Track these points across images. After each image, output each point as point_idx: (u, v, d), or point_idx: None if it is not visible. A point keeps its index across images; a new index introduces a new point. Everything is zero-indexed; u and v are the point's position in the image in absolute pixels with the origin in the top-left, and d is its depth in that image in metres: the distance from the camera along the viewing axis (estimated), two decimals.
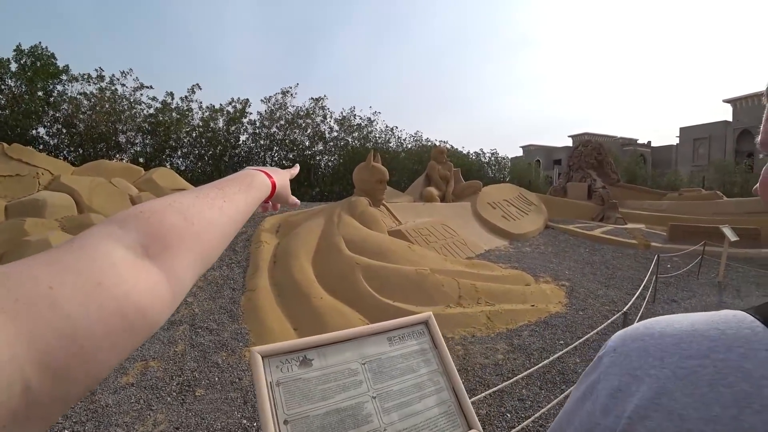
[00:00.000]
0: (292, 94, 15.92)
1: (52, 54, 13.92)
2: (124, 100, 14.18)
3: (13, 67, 13.41)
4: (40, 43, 13.87)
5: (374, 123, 18.20)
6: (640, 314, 4.81)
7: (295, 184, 16.22)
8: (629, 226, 12.42)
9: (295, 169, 0.89)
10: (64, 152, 13.76)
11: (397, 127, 25.56)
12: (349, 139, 17.49)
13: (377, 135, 18.58)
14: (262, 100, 15.56)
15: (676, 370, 0.36)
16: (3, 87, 13.16)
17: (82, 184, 7.14)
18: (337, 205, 7.66)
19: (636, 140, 49.31)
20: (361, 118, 18.07)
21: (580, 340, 3.09)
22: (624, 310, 3.13)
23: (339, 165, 16.94)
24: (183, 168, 14.73)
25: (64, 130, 13.82)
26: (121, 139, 14.27)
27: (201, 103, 15.08)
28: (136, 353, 4.16)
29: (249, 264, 6.26)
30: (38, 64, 13.56)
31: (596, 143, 16.31)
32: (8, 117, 12.57)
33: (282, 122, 15.73)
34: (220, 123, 15.01)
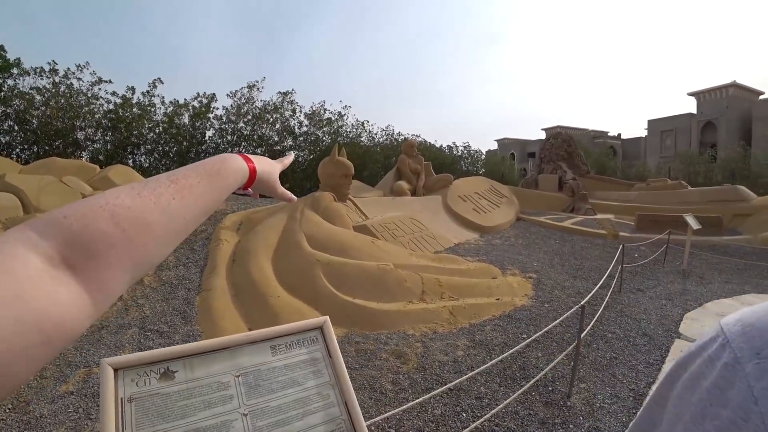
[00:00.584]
0: (258, 89, 15.57)
1: (1, 46, 13.10)
2: (80, 95, 13.50)
3: None
4: None
5: (345, 117, 17.99)
6: (604, 304, 4.75)
7: None
8: (599, 216, 12.55)
9: (288, 159, 0.82)
10: (17, 150, 13.06)
11: (368, 122, 25.35)
12: (320, 134, 17.17)
13: (348, 129, 18.39)
14: (227, 95, 15.14)
15: None
16: None
17: (30, 184, 6.76)
18: (300, 201, 7.42)
19: (607, 133, 50.28)
20: (331, 113, 17.91)
21: (540, 332, 2.96)
22: (582, 303, 3.00)
23: (310, 160, 16.64)
24: (146, 165, 14.17)
25: (16, 127, 13.11)
26: (80, 135, 13.60)
27: (163, 98, 14.48)
28: (79, 360, 3.95)
29: (207, 263, 5.99)
30: None
31: (566, 135, 16.44)
32: None
33: (249, 117, 15.30)
34: (186, 119, 14.50)
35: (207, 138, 14.93)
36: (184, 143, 14.33)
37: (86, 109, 13.51)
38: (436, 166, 19.21)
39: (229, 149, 15.09)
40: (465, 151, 23.93)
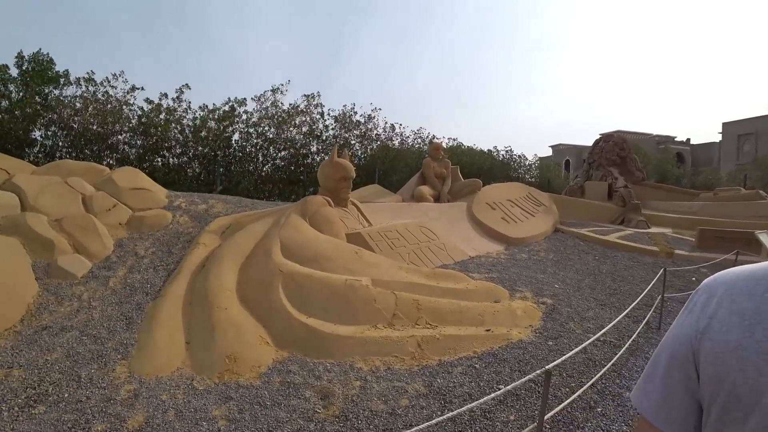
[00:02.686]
0: (282, 92, 15.25)
1: (51, 59, 14.11)
2: (116, 101, 13.93)
3: (15, 72, 13.64)
4: (40, 49, 14.04)
5: (374, 119, 17.22)
6: (627, 344, 3.64)
7: (288, 183, 15.41)
8: (653, 230, 10.96)
9: None
10: (60, 153, 13.58)
11: (400, 124, 24.42)
12: (348, 136, 16.51)
13: (378, 132, 17.67)
14: (252, 98, 14.97)
15: (743, 286, 0.63)
16: (4, 92, 13.23)
17: (32, 184, 6.59)
18: (291, 206, 6.77)
19: (674, 138, 46.24)
20: (361, 116, 17.29)
21: (519, 382, 2.02)
22: (548, 367, 2.02)
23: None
24: (175, 168, 14.21)
25: (58, 133, 13.70)
26: (115, 139, 13.95)
27: (190, 103, 14.56)
28: (2, 359, 3.64)
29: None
30: (37, 69, 13.76)
31: (619, 137, 14.76)
32: (7, 121, 12.51)
33: (274, 120, 15.00)
34: (213, 123, 14.48)
35: (234, 141, 14.74)
36: (208, 147, 14.25)
37: (123, 114, 13.87)
38: (471, 172, 18.05)
39: (255, 152, 14.86)
40: (507, 155, 22.37)
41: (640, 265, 7.87)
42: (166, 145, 14.19)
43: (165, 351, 3.91)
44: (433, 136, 19.06)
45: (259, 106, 14.97)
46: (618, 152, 14.46)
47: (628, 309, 3.80)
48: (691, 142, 46.98)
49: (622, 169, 14.33)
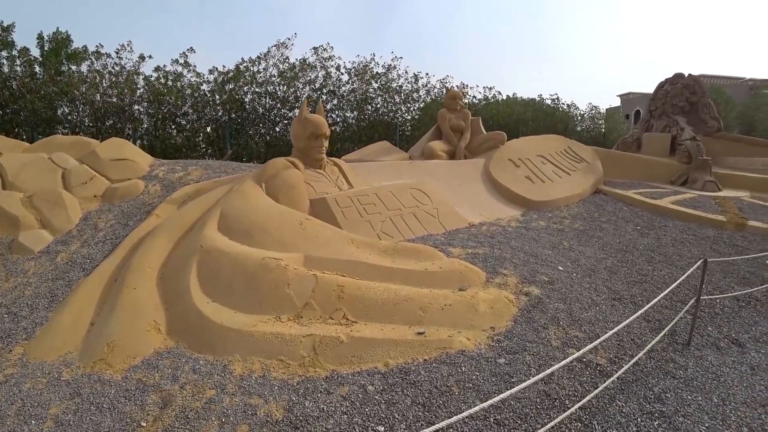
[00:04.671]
0: (287, 46, 13.95)
1: (68, 36, 13.98)
2: (126, 72, 13.47)
3: (36, 53, 13.65)
4: (58, 28, 14.06)
5: (396, 69, 15.47)
6: (620, 372, 2.36)
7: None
8: (723, 194, 8.90)
9: None
10: (82, 128, 13.54)
11: (427, 74, 22.08)
12: (367, 89, 14.94)
13: (400, 84, 15.90)
14: (258, 57, 13.74)
15: None
16: (29, 73, 13.25)
17: (13, 163, 6.43)
18: (254, 170, 5.84)
19: None
20: (383, 66, 15.56)
21: None
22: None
23: (359, 121, 14.75)
24: (188, 134, 13.67)
25: (80, 108, 13.59)
26: (133, 110, 13.64)
27: (195, 66, 13.82)
28: None
29: None
30: (57, 48, 13.76)
31: (691, 78, 12.19)
32: (31, 101, 12.49)
33: (285, 77, 13.84)
34: (222, 86, 13.66)
35: (245, 103, 13.81)
36: (221, 110, 13.51)
37: (137, 84, 13.52)
38: (509, 125, 15.93)
39: (266, 113, 13.87)
40: (552, 104, 19.64)
41: (695, 240, 6.18)
42: (179, 112, 13.68)
43: (63, 333, 3.56)
44: (460, 84, 17.01)
45: (266, 64, 13.84)
46: (687, 97, 11.97)
47: (644, 309, 2.48)
48: None
49: (691, 117, 11.88)
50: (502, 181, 7.49)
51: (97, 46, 13.70)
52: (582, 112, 21.90)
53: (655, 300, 2.79)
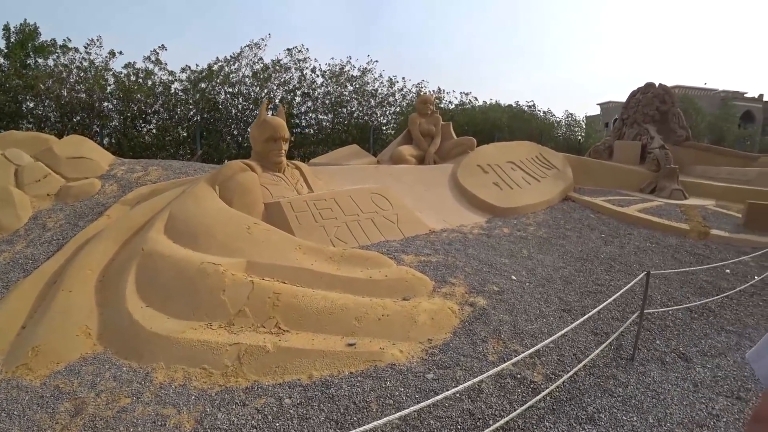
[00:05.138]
0: (260, 47, 13.72)
1: (36, 28, 13.45)
2: (94, 68, 13.04)
3: (1, 44, 13.15)
4: (25, 20, 13.44)
5: (372, 72, 15.29)
6: (552, 388, 2.23)
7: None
8: (689, 202, 8.96)
9: None
10: (48, 123, 13.01)
11: (403, 78, 22.07)
12: (342, 92, 14.73)
13: (376, 87, 15.71)
14: (230, 56, 13.51)
15: None
16: None
17: None
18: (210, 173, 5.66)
19: (743, 93, 40.84)
20: (358, 69, 15.38)
21: None
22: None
23: (335, 124, 14.57)
24: (159, 133, 13.29)
25: (46, 103, 13.10)
26: (102, 107, 13.19)
27: (166, 65, 13.50)
28: None
29: None
30: (23, 40, 13.27)
31: (661, 87, 12.32)
32: None
33: (258, 77, 13.59)
34: (190, 85, 13.33)
35: (219, 103, 13.50)
36: (192, 110, 13.21)
37: (106, 81, 13.07)
38: (484, 131, 15.83)
39: (240, 114, 13.62)
40: (529, 111, 19.65)
41: (658, 249, 6.16)
42: (149, 110, 13.30)
43: None
44: (436, 90, 16.91)
45: (239, 64, 13.59)
46: (658, 106, 12.09)
47: (580, 320, 2.36)
48: (765, 99, 41.43)
49: (661, 126, 12.01)
50: (469, 187, 7.39)
51: (64, 39, 13.17)
52: (558, 119, 22.11)
53: (592, 312, 2.67)
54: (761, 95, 41.18)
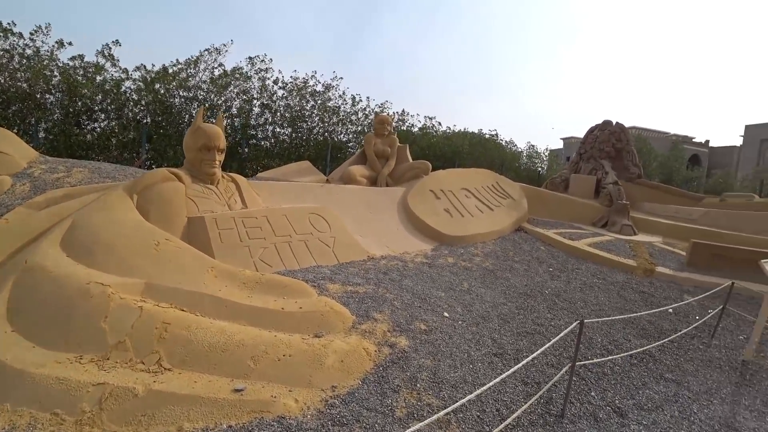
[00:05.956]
0: (220, 52, 13.23)
1: None
2: (44, 58, 12.17)
3: None
4: None
5: (336, 89, 15.03)
6: None
7: (227, 156, 13.50)
8: (639, 237, 8.98)
9: None
10: None
11: (369, 97, 22.00)
12: (303, 106, 14.38)
13: (338, 104, 15.43)
14: (188, 60, 12.97)
15: None
16: None
17: None
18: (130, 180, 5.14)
19: (692, 138, 43.25)
20: (322, 84, 15.10)
21: None
22: None
23: (293, 139, 14.13)
24: (105, 134, 12.44)
25: None
26: (44, 99, 12.27)
27: (118, 60, 12.76)
28: None
29: None
30: None
31: (618, 126, 12.59)
32: None
33: (216, 83, 13.07)
34: (157, 86, 12.63)
35: (174, 107, 12.82)
36: (141, 112, 12.50)
37: (50, 72, 12.16)
38: (444, 156, 15.75)
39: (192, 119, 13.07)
40: (492, 139, 19.87)
41: (604, 285, 5.98)
42: (96, 108, 12.47)
43: None
44: (400, 111, 16.80)
45: (197, 69, 13.03)
46: (614, 143, 12.33)
47: (512, 370, 1.99)
48: (711, 145, 43.97)
49: (616, 163, 12.22)
50: (418, 212, 7.08)
51: (9, 23, 12.22)
52: (520, 150, 22.46)
53: (519, 365, 2.32)
54: (707, 141, 43.72)
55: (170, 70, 12.99)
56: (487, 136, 20.09)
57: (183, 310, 3.19)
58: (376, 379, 2.70)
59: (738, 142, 39.72)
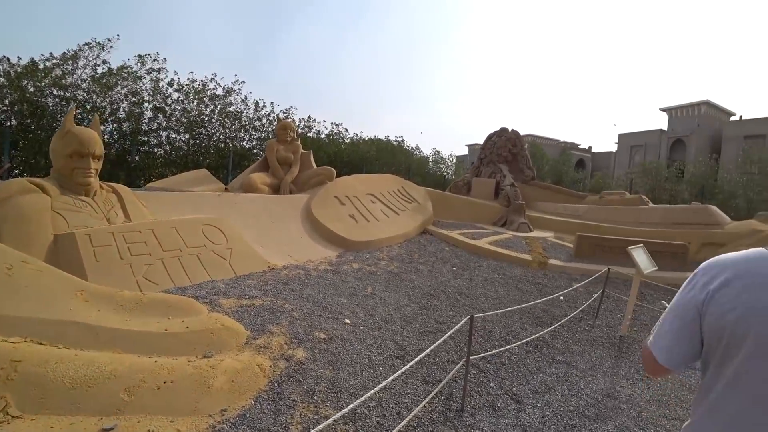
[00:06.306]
0: (104, 47, 12.03)
1: None
2: None
3: None
4: None
5: (237, 93, 14.42)
6: None
7: (116, 164, 12.24)
8: (533, 234, 9.64)
9: None
10: None
11: (273, 102, 21.48)
12: (202, 110, 13.55)
13: (240, 108, 14.74)
14: (65, 52, 11.61)
15: (736, 270, 0.94)
16: None
17: None
18: None
19: (578, 145, 48.27)
20: (223, 87, 14.34)
21: None
22: None
23: (191, 146, 13.24)
24: None
25: None
26: None
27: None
28: None
29: None
30: None
31: (513, 133, 13.53)
32: None
33: (99, 83, 11.79)
34: (25, 83, 11.04)
35: (48, 107, 11.32)
36: (8, 110, 10.90)
37: None
38: (351, 162, 15.79)
39: (78, 121, 11.71)
40: (398, 145, 20.39)
41: (504, 280, 6.26)
42: None
43: None
44: (306, 118, 16.53)
45: (71, 66, 11.66)
46: (510, 148, 13.23)
47: (401, 370, 1.89)
48: (593, 150, 49.28)
49: (512, 166, 13.11)
50: (322, 219, 6.92)
51: None
52: (426, 156, 23.32)
53: (408, 365, 2.27)
54: (590, 147, 49.03)
55: (41, 65, 11.45)
56: (394, 143, 20.56)
57: (41, 344, 2.73)
58: (271, 397, 2.49)
59: (614, 148, 45.01)
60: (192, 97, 13.50)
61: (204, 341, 3.00)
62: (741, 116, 37.19)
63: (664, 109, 41.04)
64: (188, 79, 13.94)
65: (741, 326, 0.90)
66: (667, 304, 5.34)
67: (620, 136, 43.72)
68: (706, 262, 1.03)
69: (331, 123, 18.74)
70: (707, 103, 38.23)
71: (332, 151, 16.50)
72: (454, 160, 27.08)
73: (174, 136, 13.28)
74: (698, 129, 37.69)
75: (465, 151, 51.27)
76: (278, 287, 4.30)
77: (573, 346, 4.17)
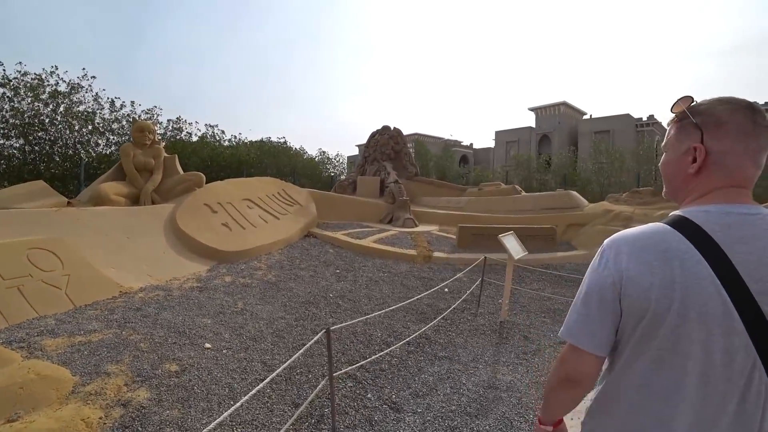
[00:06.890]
0: None
1: None
2: None
3: None
4: None
5: (86, 90, 12.63)
6: None
7: None
8: (419, 229, 9.79)
9: None
10: None
11: (134, 102, 19.33)
12: (39, 108, 11.55)
13: (91, 107, 12.89)
14: None
15: (642, 245, 0.92)
16: None
17: None
18: None
19: (461, 142, 51.48)
20: (65, 82, 12.34)
21: None
22: None
23: (20, 148, 11.17)
24: None
25: None
26: None
27: None
28: None
29: None
30: None
31: (394, 131, 13.73)
32: None
33: None
34: None
35: None
36: None
37: None
38: (231, 166, 14.72)
39: None
40: (280, 147, 19.66)
41: (389, 278, 6.16)
42: None
43: None
44: (175, 119, 15.07)
45: None
46: (393, 146, 13.40)
47: (251, 393, 1.51)
48: (474, 147, 52.97)
49: (396, 164, 13.29)
50: (189, 230, 6.21)
51: None
52: (312, 157, 22.85)
53: (260, 385, 1.93)
54: (472, 144, 52.84)
55: None
56: (276, 144, 19.71)
57: None
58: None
59: (492, 144, 49.03)
60: (25, 94, 11.37)
61: (9, 400, 2.34)
62: (591, 115, 43.32)
63: (531, 109, 45.76)
64: (16, 71, 11.80)
65: (663, 302, 0.88)
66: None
67: (497, 133, 47.69)
68: (610, 239, 1.00)
69: (205, 124, 17.29)
70: (565, 104, 43.76)
71: (207, 155, 15.23)
72: (343, 161, 27.02)
73: (3, 142, 11.07)
74: (559, 126, 42.99)
75: (355, 151, 51.75)
76: (127, 315, 3.65)
77: (456, 338, 4.16)
